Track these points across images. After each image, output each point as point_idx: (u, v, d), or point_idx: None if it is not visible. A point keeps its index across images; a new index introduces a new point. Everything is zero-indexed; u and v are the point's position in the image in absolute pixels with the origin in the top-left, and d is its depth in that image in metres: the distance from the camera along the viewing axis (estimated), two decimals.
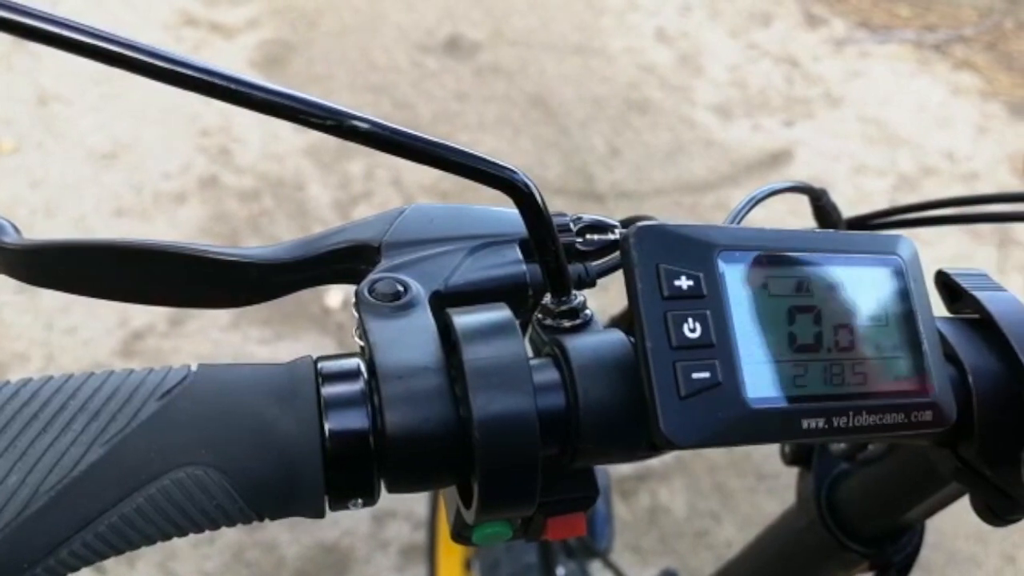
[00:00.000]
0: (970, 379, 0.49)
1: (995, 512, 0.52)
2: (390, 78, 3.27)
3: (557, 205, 2.70)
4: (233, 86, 0.36)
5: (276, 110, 0.37)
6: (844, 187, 2.87)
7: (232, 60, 3.26)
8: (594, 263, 0.53)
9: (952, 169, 3.01)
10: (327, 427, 0.39)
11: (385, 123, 0.39)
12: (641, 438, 0.42)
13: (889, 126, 3.17)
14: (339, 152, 2.86)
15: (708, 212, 2.78)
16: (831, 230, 0.68)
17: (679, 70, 3.40)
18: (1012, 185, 2.95)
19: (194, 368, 0.39)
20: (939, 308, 0.51)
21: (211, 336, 2.32)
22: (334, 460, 0.39)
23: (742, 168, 2.96)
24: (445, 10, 3.64)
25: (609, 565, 1.30)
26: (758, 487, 2.08)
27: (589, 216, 0.54)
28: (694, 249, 0.42)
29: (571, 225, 0.53)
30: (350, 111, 0.38)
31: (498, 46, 3.48)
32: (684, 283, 0.42)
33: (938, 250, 2.53)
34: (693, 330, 0.41)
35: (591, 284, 0.53)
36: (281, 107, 0.37)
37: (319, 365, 0.41)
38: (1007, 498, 0.50)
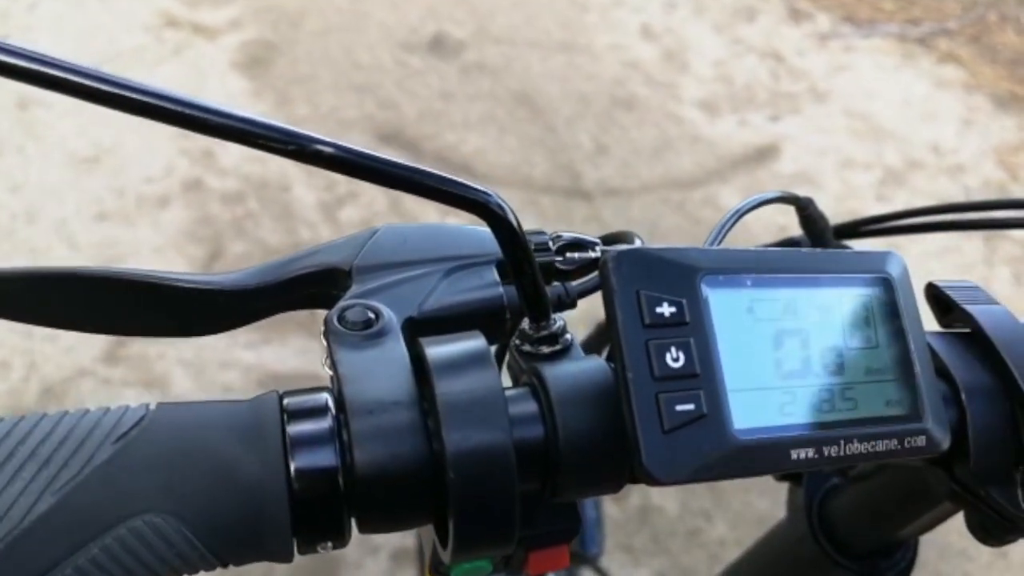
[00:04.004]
0: (963, 397, 0.48)
1: (991, 532, 0.51)
2: (374, 77, 3.24)
3: (544, 204, 2.69)
4: (186, 111, 0.34)
5: (233, 135, 0.35)
6: (831, 181, 2.86)
7: (215, 62, 3.23)
8: (574, 283, 0.52)
9: (938, 162, 3.00)
10: (293, 466, 0.37)
11: (351, 147, 0.37)
12: (624, 472, 0.41)
13: (874, 120, 3.16)
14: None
15: (696, 208, 2.77)
16: (818, 249, 0.67)
17: (664, 66, 3.38)
18: (997, 178, 2.94)
19: (152, 407, 0.37)
20: (929, 321, 0.49)
21: (197, 341, 2.29)
22: (301, 501, 0.37)
23: (728, 164, 2.95)
24: (429, 8, 3.62)
25: (600, 572, 1.28)
26: (750, 486, 2.07)
27: (568, 234, 0.52)
28: (676, 273, 0.41)
29: (550, 244, 0.51)
30: (313, 135, 0.36)
31: (483, 44, 3.46)
32: (666, 310, 0.40)
33: (925, 244, 2.52)
34: (676, 359, 0.39)
35: (571, 305, 0.51)
36: (239, 132, 0.35)
37: (285, 401, 0.39)
38: (1003, 518, 0.49)
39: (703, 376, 0.40)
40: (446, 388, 0.38)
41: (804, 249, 0.56)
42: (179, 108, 0.34)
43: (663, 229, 2.69)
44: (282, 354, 2.28)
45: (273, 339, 2.30)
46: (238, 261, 2.50)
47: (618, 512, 2.01)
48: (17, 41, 0.33)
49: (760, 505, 2.02)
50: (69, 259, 2.47)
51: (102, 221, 2.61)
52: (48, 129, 2.89)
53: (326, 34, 3.44)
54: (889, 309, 0.45)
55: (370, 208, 2.67)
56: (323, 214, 2.66)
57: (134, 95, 0.34)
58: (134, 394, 2.17)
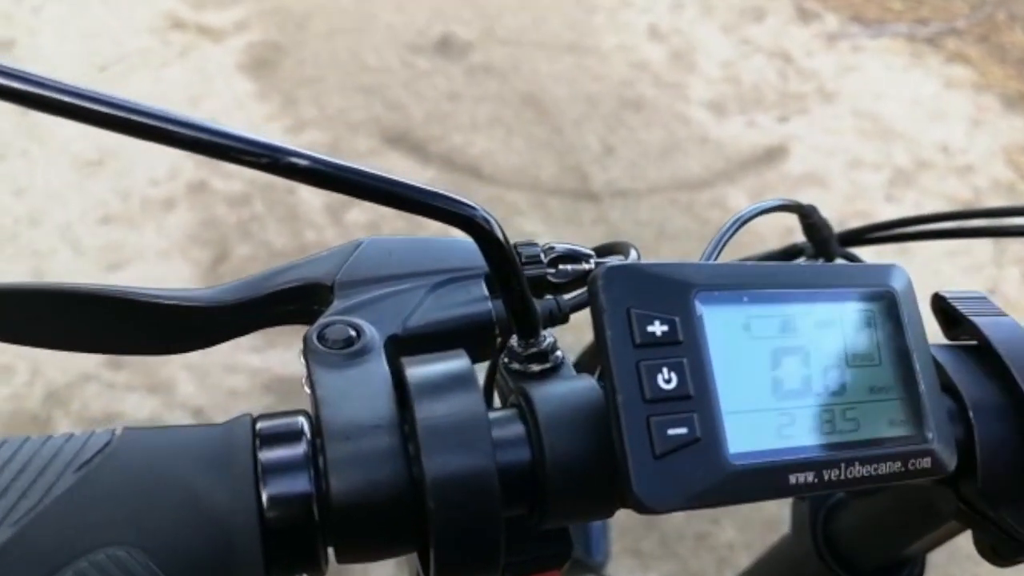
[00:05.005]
0: (970, 413, 0.46)
1: (1000, 552, 0.49)
2: (381, 79, 3.23)
3: (552, 206, 2.68)
4: (153, 123, 0.33)
5: (204, 148, 0.34)
6: (839, 182, 2.84)
7: (220, 64, 3.22)
8: (567, 297, 0.50)
9: (947, 162, 2.97)
10: (265, 495, 0.35)
11: (327, 159, 0.36)
12: (615, 498, 0.39)
13: (883, 120, 3.14)
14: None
15: (704, 210, 2.75)
16: (817, 263, 0.65)
17: (672, 67, 3.36)
18: (1007, 178, 2.92)
19: (118, 432, 0.36)
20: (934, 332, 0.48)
21: None
22: (274, 532, 0.35)
23: (737, 165, 2.93)
24: (436, 9, 3.61)
25: None
26: None
27: (562, 245, 0.50)
28: (669, 290, 0.39)
29: (542, 256, 0.50)
30: (288, 147, 0.35)
31: (490, 45, 3.44)
32: (658, 328, 0.38)
33: (935, 246, 2.49)
34: (668, 380, 0.37)
35: (564, 320, 0.50)
36: (209, 144, 0.34)
37: (258, 425, 0.37)
38: (1012, 540, 0.47)
39: (697, 398, 0.38)
40: (426, 411, 0.36)
41: (803, 263, 0.54)
42: (144, 120, 0.33)
43: (671, 231, 2.67)
44: (287, 357, 2.27)
45: (278, 343, 2.29)
46: (244, 264, 2.49)
47: (626, 516, 1.99)
48: None
49: (769, 509, 2.00)
50: (73, 263, 2.46)
51: (106, 224, 2.60)
52: (51, 132, 2.88)
53: (332, 36, 3.43)
54: (892, 324, 0.43)
55: (377, 210, 2.66)
56: (329, 217, 2.65)
57: (96, 107, 0.32)
58: (138, 399, 2.16)
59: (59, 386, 2.17)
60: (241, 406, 2.13)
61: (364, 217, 2.63)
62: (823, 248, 0.69)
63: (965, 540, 0.61)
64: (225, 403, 2.18)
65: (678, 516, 1.99)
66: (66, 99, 0.32)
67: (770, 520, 1.96)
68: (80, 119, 0.33)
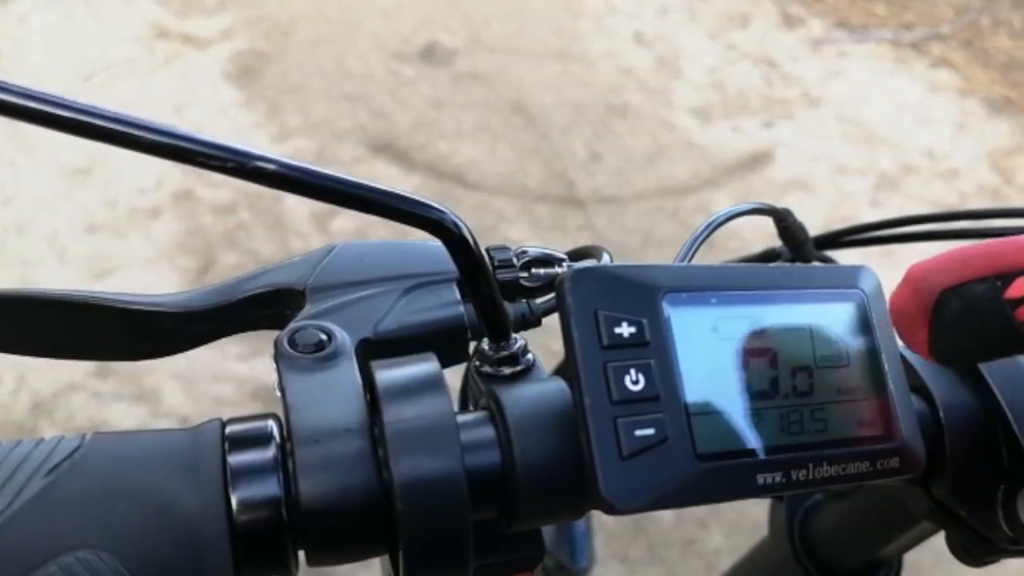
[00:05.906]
0: (941, 414, 0.46)
1: (972, 552, 0.49)
2: (366, 87, 3.23)
3: (538, 212, 2.67)
4: (115, 127, 0.33)
5: (168, 152, 0.34)
6: (825, 187, 2.85)
7: (206, 72, 3.22)
8: (540, 300, 0.50)
9: (932, 167, 2.98)
10: (234, 499, 0.35)
11: (294, 163, 0.36)
12: (585, 499, 0.39)
13: (868, 125, 3.15)
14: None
15: (689, 215, 2.75)
16: (787, 264, 0.65)
17: (658, 73, 3.37)
18: (992, 183, 2.93)
19: (88, 438, 0.36)
20: None
21: (187, 353, 2.27)
22: (243, 535, 0.35)
23: (722, 170, 2.94)
24: (422, 17, 3.61)
25: None
26: None
27: (535, 249, 0.51)
28: (636, 292, 0.39)
29: (514, 259, 0.50)
30: (254, 152, 0.35)
31: (476, 52, 3.45)
32: (625, 330, 0.38)
33: (920, 249, 2.49)
34: (636, 382, 0.37)
35: (536, 323, 0.50)
36: (173, 149, 0.34)
37: (227, 429, 0.37)
38: (983, 539, 0.48)
39: (664, 399, 0.38)
40: (395, 415, 0.37)
41: (772, 265, 0.54)
42: (107, 124, 0.33)
43: (657, 237, 2.68)
44: (273, 365, 2.26)
45: (264, 351, 2.28)
46: (230, 272, 2.49)
47: (613, 521, 1.99)
48: None
49: (755, 514, 2.00)
50: (60, 271, 2.46)
51: (93, 233, 2.59)
52: (39, 141, 2.87)
53: (317, 44, 3.43)
54: (861, 325, 0.44)
55: (362, 217, 2.65)
56: (315, 225, 2.65)
57: (60, 112, 0.32)
58: (124, 408, 2.15)
59: (45, 396, 2.16)
60: (228, 415, 2.13)
61: (351, 225, 2.63)
62: (799, 251, 0.69)
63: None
64: (212, 411, 2.17)
65: (666, 521, 1.99)
66: (31, 104, 0.32)
67: (757, 525, 1.96)
68: (45, 124, 0.33)
